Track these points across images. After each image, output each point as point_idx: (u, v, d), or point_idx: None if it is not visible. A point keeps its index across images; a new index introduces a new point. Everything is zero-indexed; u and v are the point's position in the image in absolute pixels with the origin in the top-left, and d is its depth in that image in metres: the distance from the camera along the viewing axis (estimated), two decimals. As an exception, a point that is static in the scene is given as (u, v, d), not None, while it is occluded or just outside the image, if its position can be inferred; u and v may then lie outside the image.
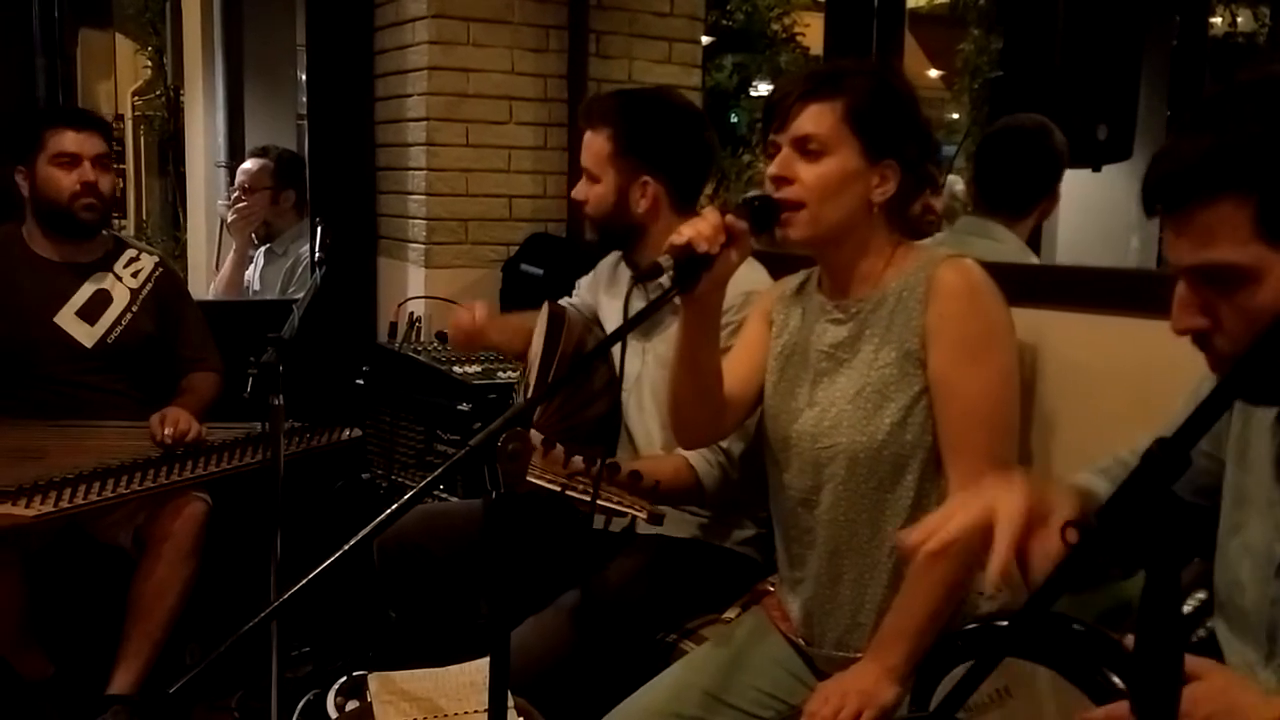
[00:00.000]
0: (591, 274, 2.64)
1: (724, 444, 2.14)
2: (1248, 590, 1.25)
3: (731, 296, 1.91)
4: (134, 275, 3.00)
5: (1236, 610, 1.28)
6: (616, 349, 2.28)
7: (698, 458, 2.15)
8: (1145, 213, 1.17)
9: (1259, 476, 1.26)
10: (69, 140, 2.85)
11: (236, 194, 4.17)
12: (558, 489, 1.80)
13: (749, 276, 2.14)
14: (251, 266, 4.28)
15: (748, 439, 2.16)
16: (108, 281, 2.96)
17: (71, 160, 2.84)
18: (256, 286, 4.17)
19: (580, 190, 2.39)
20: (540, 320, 2.41)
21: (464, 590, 2.43)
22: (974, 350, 1.74)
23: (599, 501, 1.79)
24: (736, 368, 1.94)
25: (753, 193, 1.86)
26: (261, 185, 4.11)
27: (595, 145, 2.34)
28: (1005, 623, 1.49)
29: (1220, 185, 1.09)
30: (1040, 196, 2.85)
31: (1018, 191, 2.85)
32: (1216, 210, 1.09)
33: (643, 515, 1.78)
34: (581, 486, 1.80)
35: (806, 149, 1.75)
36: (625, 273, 2.49)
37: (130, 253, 3.05)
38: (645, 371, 2.35)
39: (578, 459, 1.81)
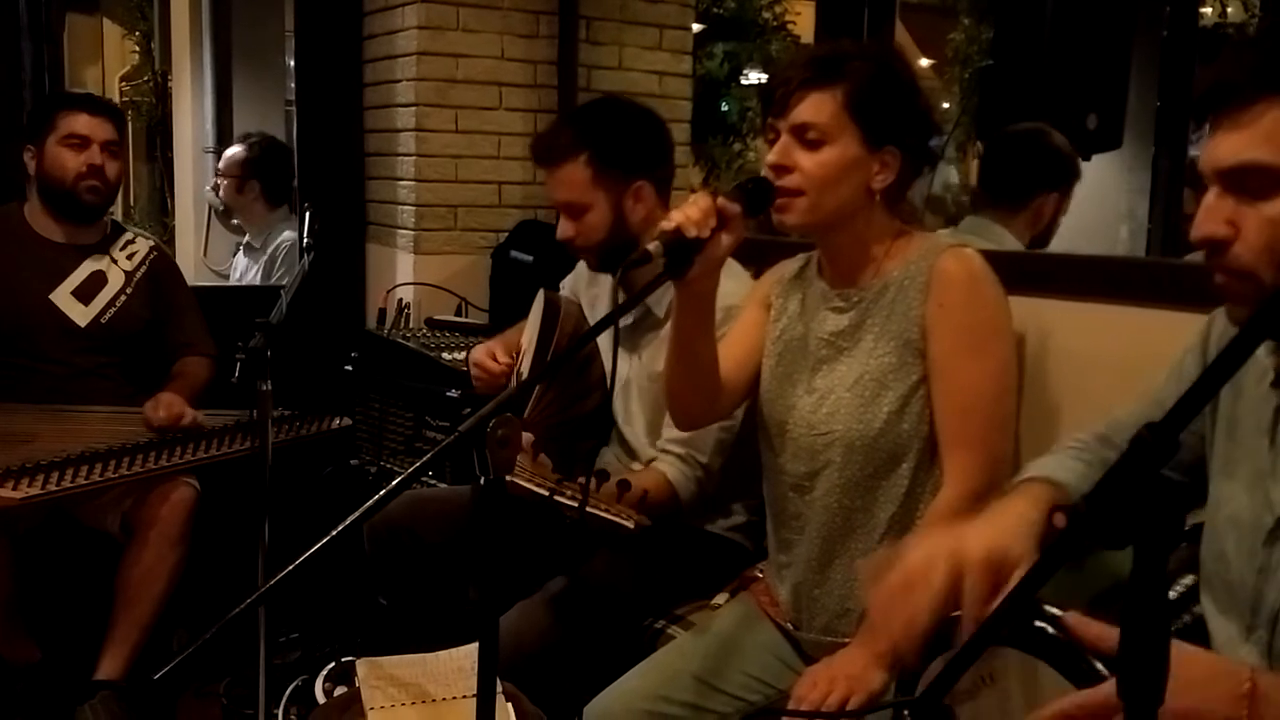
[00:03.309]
0: (571, 276, 2.63)
1: (703, 459, 2.16)
2: (1233, 563, 1.26)
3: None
4: (129, 258, 3.02)
5: (1222, 584, 1.28)
6: (607, 348, 2.28)
7: (676, 473, 2.16)
8: (1197, 122, 1.18)
9: (1248, 448, 1.27)
10: (81, 123, 2.87)
11: (215, 179, 4.26)
12: (545, 493, 1.80)
13: (729, 289, 2.11)
14: (231, 264, 4.31)
15: (725, 452, 2.17)
16: (104, 263, 2.98)
17: (81, 142, 2.87)
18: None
19: (566, 229, 2.31)
20: (535, 308, 2.40)
21: (452, 576, 2.43)
22: (973, 341, 1.74)
23: (586, 509, 1.80)
24: (733, 351, 1.94)
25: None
26: (231, 174, 4.17)
27: (574, 175, 2.26)
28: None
29: (1272, 81, 1.09)
30: (1034, 190, 2.87)
31: (1012, 183, 2.88)
32: (1267, 107, 1.09)
33: (629, 524, 1.79)
34: (569, 493, 1.80)
35: (806, 137, 1.74)
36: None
37: (127, 236, 3.07)
38: (634, 377, 2.34)
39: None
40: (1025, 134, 3.01)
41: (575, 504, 1.80)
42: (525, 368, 2.38)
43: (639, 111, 2.38)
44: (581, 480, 1.79)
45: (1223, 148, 1.13)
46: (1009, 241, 2.82)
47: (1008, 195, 2.88)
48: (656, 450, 2.23)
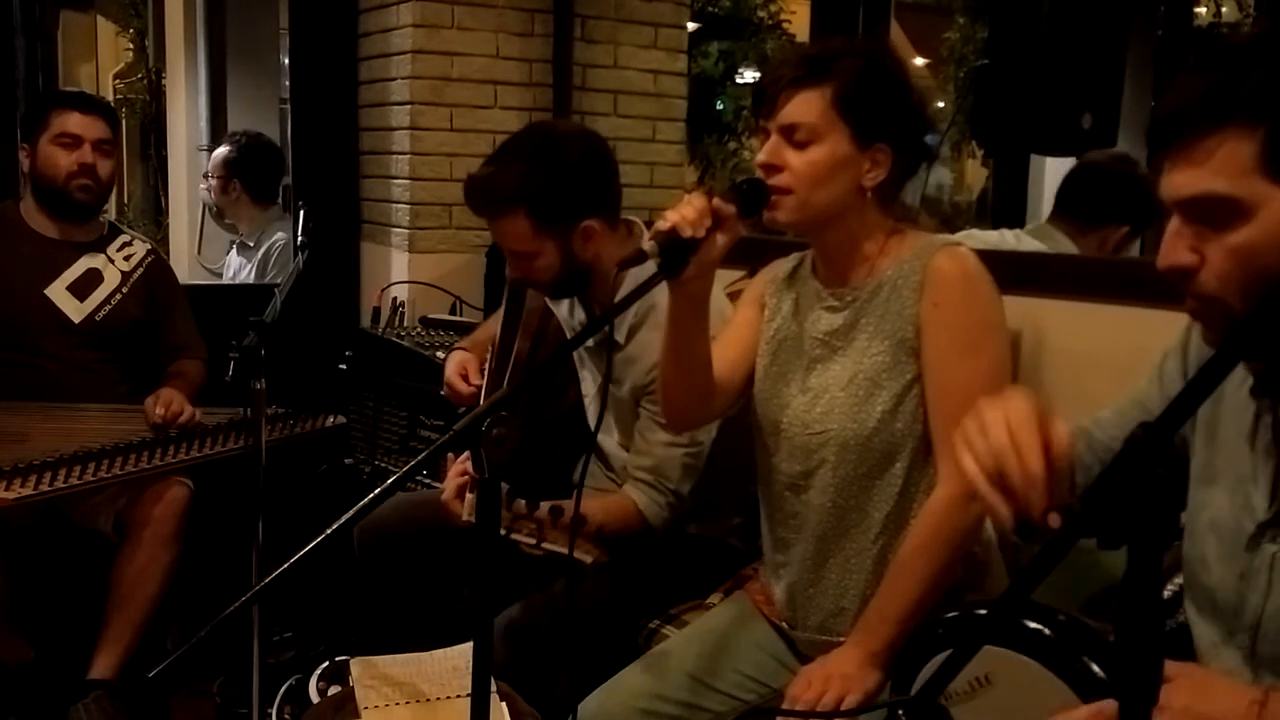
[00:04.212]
0: None
1: (671, 485, 2.15)
2: (1214, 567, 1.26)
3: None
4: (126, 259, 3.02)
5: (1203, 588, 1.29)
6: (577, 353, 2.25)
7: (646, 500, 2.15)
8: (1150, 150, 1.17)
9: (1229, 453, 1.27)
10: (73, 122, 2.87)
11: (206, 182, 4.27)
12: (501, 531, 1.78)
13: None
14: (225, 262, 4.31)
15: (694, 476, 2.16)
16: (99, 261, 2.98)
17: (73, 141, 2.86)
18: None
19: (515, 270, 2.25)
20: (504, 302, 2.38)
21: (447, 576, 2.43)
22: (967, 340, 1.74)
23: (544, 545, 1.78)
24: (727, 352, 1.93)
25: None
26: (216, 173, 4.18)
27: (515, 229, 2.15)
28: (984, 611, 1.49)
29: (1228, 113, 1.08)
30: (1108, 218, 2.91)
31: (1090, 204, 2.93)
32: (1220, 139, 1.09)
33: (588, 560, 1.77)
34: (525, 530, 1.78)
35: (794, 137, 1.74)
36: None
37: (124, 238, 3.07)
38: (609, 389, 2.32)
39: (520, 502, 1.79)
40: (1117, 159, 3.04)
41: (532, 541, 1.78)
42: (492, 364, 2.37)
43: (573, 146, 2.20)
44: (539, 516, 1.77)
45: (1180, 179, 1.13)
46: (1064, 245, 2.87)
47: (1081, 214, 2.92)
48: (629, 472, 2.22)
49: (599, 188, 2.20)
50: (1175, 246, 1.15)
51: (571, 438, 2.34)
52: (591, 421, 2.34)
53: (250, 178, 4.10)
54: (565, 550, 1.72)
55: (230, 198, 4.15)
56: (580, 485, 1.62)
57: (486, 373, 2.42)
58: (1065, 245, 2.87)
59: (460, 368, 2.42)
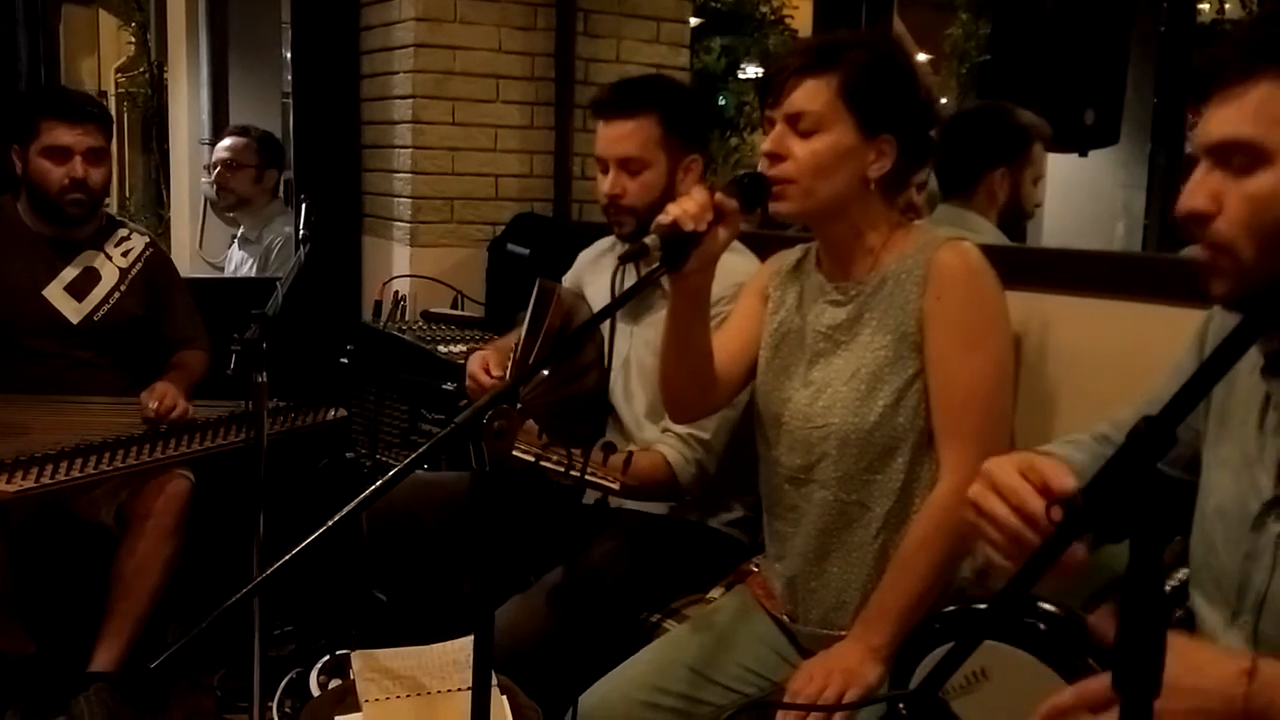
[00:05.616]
0: (572, 270, 2.61)
1: (705, 436, 2.15)
2: (1220, 551, 1.26)
3: (722, 288, 1.89)
4: (124, 255, 3.00)
5: (1210, 573, 1.29)
6: (606, 330, 2.26)
7: (675, 455, 2.15)
8: (1194, 99, 1.20)
9: (1238, 437, 1.27)
10: (62, 134, 2.80)
11: (219, 169, 4.15)
12: (532, 459, 1.80)
13: (739, 268, 2.11)
14: (226, 257, 4.29)
15: (730, 430, 2.15)
16: (98, 260, 2.96)
17: (63, 154, 2.80)
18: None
19: (616, 183, 2.29)
20: (532, 297, 2.39)
21: (449, 566, 2.43)
22: (970, 335, 1.74)
23: (573, 472, 1.79)
24: (729, 343, 1.93)
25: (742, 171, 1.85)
26: (247, 162, 4.10)
27: (642, 131, 2.27)
28: (984, 605, 1.49)
29: (1261, 59, 1.12)
30: (980, 169, 2.77)
31: (957, 171, 2.81)
32: (1254, 84, 1.12)
33: (615, 486, 1.78)
34: (555, 458, 1.79)
35: (799, 126, 1.74)
36: (609, 256, 2.47)
37: (122, 232, 3.04)
38: (633, 354, 2.33)
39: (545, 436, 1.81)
40: (970, 114, 2.98)
41: (561, 469, 1.79)
42: (516, 356, 2.37)
43: (692, 90, 2.47)
44: (571, 449, 1.79)
45: (1212, 123, 1.16)
46: (980, 224, 2.75)
47: (957, 181, 2.80)
48: (658, 433, 2.22)
49: (708, 128, 2.41)
50: (1197, 192, 1.17)
51: (594, 418, 2.35)
52: (617, 381, 2.35)
53: (281, 169, 4.06)
54: (591, 476, 1.73)
55: (263, 186, 4.09)
56: (590, 447, 1.63)
57: (510, 366, 2.43)
58: (974, 219, 2.76)
59: (483, 362, 2.43)
